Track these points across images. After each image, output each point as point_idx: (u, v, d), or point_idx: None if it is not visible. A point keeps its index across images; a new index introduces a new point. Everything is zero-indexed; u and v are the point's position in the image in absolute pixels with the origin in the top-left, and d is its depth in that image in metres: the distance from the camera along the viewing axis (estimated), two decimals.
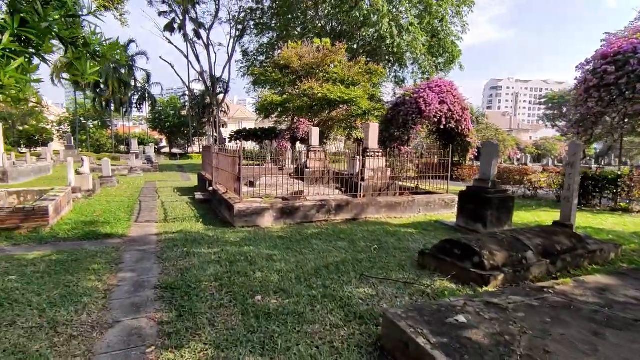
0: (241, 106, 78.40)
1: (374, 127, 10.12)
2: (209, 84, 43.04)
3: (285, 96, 21.36)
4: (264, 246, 5.76)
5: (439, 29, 34.68)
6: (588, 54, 12.60)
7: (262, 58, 36.31)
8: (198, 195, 10.69)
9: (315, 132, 14.11)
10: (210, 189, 10.92)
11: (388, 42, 30.85)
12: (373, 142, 10.12)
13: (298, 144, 30.09)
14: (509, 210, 7.29)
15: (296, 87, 22.31)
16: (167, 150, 49.52)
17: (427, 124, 18.45)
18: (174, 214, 8.45)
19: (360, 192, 9.03)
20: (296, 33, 32.36)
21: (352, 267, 4.83)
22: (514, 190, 13.29)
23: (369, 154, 9.92)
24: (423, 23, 32.72)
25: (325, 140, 25.28)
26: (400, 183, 10.22)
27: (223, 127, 46.80)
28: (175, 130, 48.57)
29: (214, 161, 10.64)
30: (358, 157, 9.74)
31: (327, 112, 22.75)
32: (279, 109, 21.49)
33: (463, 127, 18.93)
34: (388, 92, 38.99)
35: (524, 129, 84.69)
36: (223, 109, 46.28)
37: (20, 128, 39.91)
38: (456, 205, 9.29)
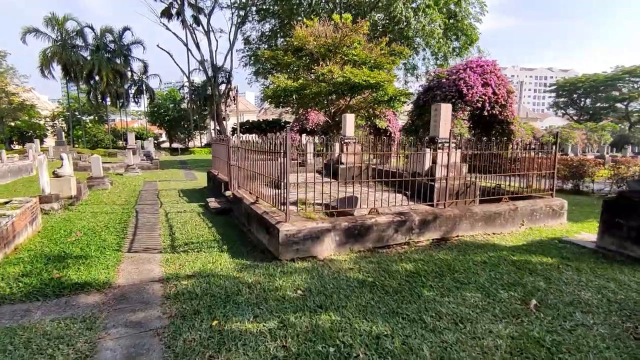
0: (242, 98, 75.65)
1: (447, 109, 7.60)
2: (210, 73, 40.32)
3: (300, 81, 18.75)
4: (350, 308, 3.30)
5: (456, 10, 31.97)
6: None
7: (264, 47, 33.58)
8: (212, 203, 8.22)
9: (350, 120, 11.60)
10: (228, 193, 8.44)
11: (402, 25, 28.17)
12: (444, 129, 7.62)
13: (304, 137, 27.59)
14: None
15: (312, 71, 19.70)
16: (167, 144, 46.94)
17: (470, 109, 15.90)
18: (185, 234, 5.98)
19: (435, 197, 6.55)
20: (300, 19, 29.67)
21: None
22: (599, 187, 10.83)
23: (439, 145, 7.42)
24: (440, 4, 30.01)
25: (337, 131, 22.74)
26: (480, 183, 7.72)
27: (224, 119, 44.20)
28: (175, 124, 45.91)
29: (232, 157, 8.15)
30: (427, 150, 7.32)
31: (348, 98, 20.15)
32: (294, 96, 18.88)
33: (508, 113, 16.40)
34: (398, 79, 36.39)
35: (532, 118, 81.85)
36: (227, 100, 43.61)
37: (12, 124, 37.25)
38: (565, 214, 6.85)
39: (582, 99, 64.97)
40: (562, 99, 68.30)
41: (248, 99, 75.39)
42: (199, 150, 35.89)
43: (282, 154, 4.92)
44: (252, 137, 8.23)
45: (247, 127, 33.98)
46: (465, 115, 15.75)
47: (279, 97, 19.93)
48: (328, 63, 19.17)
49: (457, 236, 5.79)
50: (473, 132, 18.05)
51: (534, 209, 6.47)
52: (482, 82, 15.72)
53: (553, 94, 71.20)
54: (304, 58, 21.04)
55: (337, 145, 11.54)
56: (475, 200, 7.17)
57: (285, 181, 4.85)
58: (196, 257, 4.77)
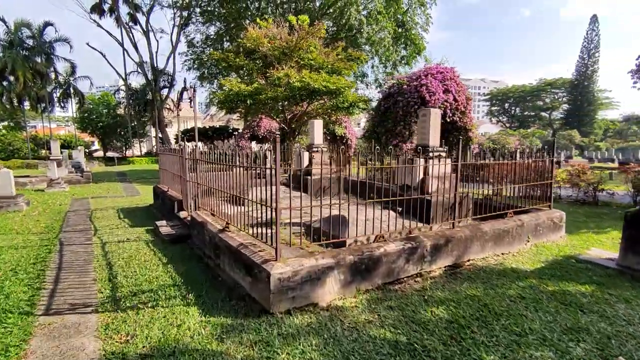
0: (185, 104, 71.44)
1: (436, 115, 6.90)
2: (150, 76, 37.17)
3: (255, 85, 17.43)
4: None
5: (404, 19, 32.79)
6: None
7: (210, 50, 31.62)
8: (164, 227, 6.69)
9: (318, 126, 10.65)
10: (183, 215, 6.97)
11: (354, 32, 28.21)
12: (435, 137, 6.91)
13: (254, 144, 26.17)
14: None
15: (267, 75, 18.49)
16: (100, 154, 42.42)
17: None
18: (132, 277, 4.50)
19: (432, 214, 5.75)
20: (249, 22, 28.36)
21: None
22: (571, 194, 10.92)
23: (430, 154, 6.70)
24: (390, 13, 30.53)
25: (293, 138, 21.70)
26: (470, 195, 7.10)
27: (167, 126, 41.04)
28: (110, 131, 41.62)
29: (188, 172, 6.72)
30: (419, 161, 6.52)
31: (306, 104, 19.20)
32: (248, 101, 17.46)
33: (467, 119, 16.52)
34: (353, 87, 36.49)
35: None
36: (168, 106, 40.54)
37: None
38: (564, 226, 6.42)
39: (513, 108, 70.59)
40: (495, 108, 73.68)
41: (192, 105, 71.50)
42: (139, 160, 32.66)
43: (271, 169, 3.73)
44: (200, 145, 6.86)
45: (193, 135, 31.60)
46: None
47: (231, 102, 18.39)
48: (284, 67, 18.10)
49: (469, 260, 5.00)
50: None
51: (538, 223, 5.91)
52: (443, 88, 15.64)
53: (487, 103, 76.64)
54: (257, 61, 19.76)
55: (305, 155, 10.47)
56: (468, 216, 6.50)
57: (275, 205, 3.66)
58: (151, 317, 3.39)
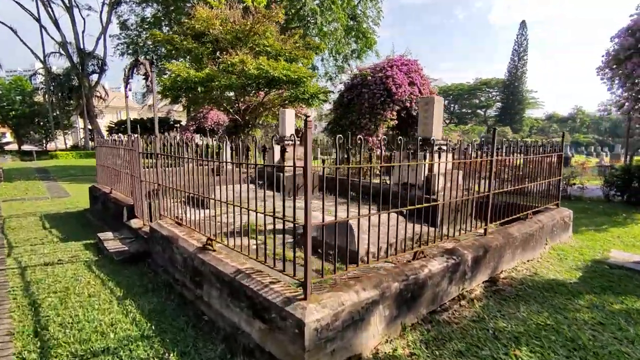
0: (118, 92, 64.96)
1: (440, 104, 6.14)
2: (76, 59, 32.72)
3: (207, 71, 15.64)
4: None
5: (356, 12, 32.48)
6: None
7: (146, 34, 28.49)
8: (111, 242, 5.16)
9: (289, 116, 9.48)
10: (137, 224, 5.49)
11: (307, 21, 27.29)
12: (437, 129, 6.18)
13: (197, 137, 24.10)
14: None
15: (220, 60, 16.79)
16: (15, 147, 36.72)
17: (397, 109, 15.23)
18: (73, 327, 3.09)
19: (439, 217, 4.99)
20: (192, 5, 25.96)
21: None
22: None
23: (435, 149, 5.95)
24: (343, 4, 30.01)
25: (247, 131, 20.20)
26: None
27: (97, 117, 36.63)
28: (26, 121, 36.05)
29: (143, 170, 5.24)
30: (425, 156, 5.72)
31: (263, 94, 17.81)
32: (199, 89, 15.58)
33: None
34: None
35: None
36: (99, 94, 36.17)
37: None
38: (572, 225, 6.05)
39: (452, 105, 74.52)
40: None
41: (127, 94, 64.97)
42: (65, 155, 28.57)
43: (303, 169, 2.59)
44: (160, 136, 5.46)
45: (129, 126, 28.32)
46: (394, 115, 15.04)
47: (179, 90, 16.39)
48: (238, 52, 16.52)
49: (502, 272, 4.29)
50: (393, 132, 17.60)
51: (554, 223, 5.43)
52: (408, 80, 15.24)
53: None
54: (207, 45, 17.87)
55: (276, 148, 9.25)
56: (471, 214, 5.87)
57: (307, 217, 2.53)
58: None
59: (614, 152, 32.62)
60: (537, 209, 5.54)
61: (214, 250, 3.61)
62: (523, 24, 57.33)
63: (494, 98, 65.70)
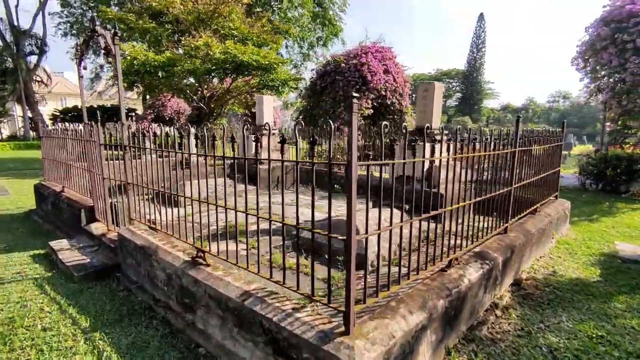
0: (61, 77, 59.39)
1: (440, 91, 5.72)
2: (9, 38, 29.22)
3: (168, 54, 14.30)
4: None
5: None
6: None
7: (91, 14, 25.96)
8: (67, 252, 4.27)
9: (267, 103, 8.73)
10: (99, 229, 4.63)
11: (273, 3, 26.25)
12: (437, 117, 5.77)
13: (156, 127, 22.51)
14: None
15: (182, 43, 15.47)
16: None
17: (372, 97, 14.81)
18: None
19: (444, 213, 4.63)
20: None
21: None
22: None
23: (436, 138, 5.56)
24: None
25: (212, 120, 19.04)
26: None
27: (39, 104, 33.20)
28: None
29: (103, 164, 4.37)
30: (426, 146, 5.29)
31: (229, 80, 16.73)
32: (159, 74, 14.20)
33: (404, 102, 16.17)
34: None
35: None
36: (39, 78, 32.71)
37: None
38: (569, 217, 5.94)
39: (413, 95, 75.90)
40: None
41: (69, 79, 59.59)
42: (1, 146, 25.56)
43: (349, 159, 2.00)
44: (128, 124, 4.62)
45: (76, 115, 25.87)
46: (369, 104, 14.63)
47: (136, 74, 14.91)
48: (201, 35, 15.29)
49: (522, 272, 3.98)
50: (365, 122, 17.25)
51: (558, 216, 5.24)
52: (383, 68, 14.86)
53: None
54: (167, 25, 16.39)
55: (252, 138, 8.48)
56: (467, 207, 5.57)
57: (350, 234, 1.96)
58: None
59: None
60: (543, 202, 5.32)
61: (208, 265, 2.93)
62: (481, 17, 59.17)
63: (453, 88, 67.72)
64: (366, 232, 2.14)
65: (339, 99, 14.57)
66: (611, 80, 8.86)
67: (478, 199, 3.36)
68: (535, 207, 4.83)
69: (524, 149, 4.12)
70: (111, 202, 4.57)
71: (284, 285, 2.40)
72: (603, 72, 9.13)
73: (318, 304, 2.22)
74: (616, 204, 7.47)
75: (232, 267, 2.84)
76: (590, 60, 9.42)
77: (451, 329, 2.62)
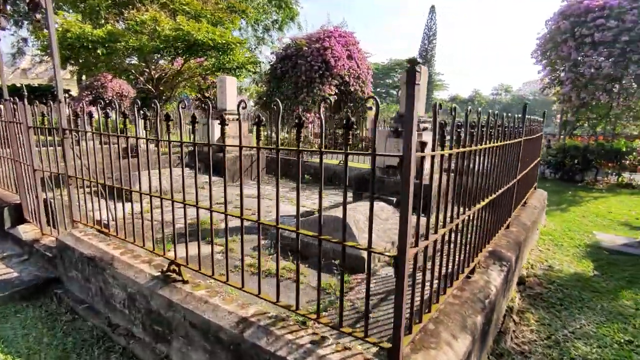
0: None
1: (425, 76, 5.38)
2: None
3: (109, 27, 12.67)
4: None
5: None
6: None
7: None
8: None
9: (231, 85, 7.93)
10: (28, 233, 3.73)
11: None
12: (422, 105, 5.44)
13: (92, 109, 20.44)
14: None
15: (125, 16, 13.85)
16: None
17: (336, 83, 14.32)
18: None
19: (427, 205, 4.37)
20: None
21: None
22: None
23: (422, 127, 5.25)
24: None
25: (161, 104, 17.53)
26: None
27: None
28: None
29: (33, 152, 3.48)
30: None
31: (182, 61, 15.38)
32: (99, 51, 12.53)
33: (367, 90, 15.95)
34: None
35: None
36: None
37: None
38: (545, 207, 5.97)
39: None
40: None
41: None
42: None
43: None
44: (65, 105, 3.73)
45: (5, 90, 22.56)
46: (333, 91, 14.15)
47: (69, 49, 13.09)
48: (148, 8, 13.78)
49: (522, 268, 3.79)
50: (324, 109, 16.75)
51: (542, 206, 5.19)
52: (346, 54, 14.42)
53: None
54: None
55: (214, 124, 7.64)
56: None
57: (404, 248, 1.47)
58: None
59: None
60: (529, 193, 5.23)
61: (186, 282, 2.31)
62: (432, 9, 60.79)
63: None
64: (416, 244, 1.66)
65: (301, 84, 13.93)
66: (571, 73, 9.20)
67: (494, 195, 3.03)
68: (525, 198, 4.69)
69: (528, 138, 3.89)
70: (45, 199, 3.69)
71: (297, 312, 1.87)
72: (562, 66, 9.48)
73: (366, 340, 1.71)
74: (578, 193, 7.77)
75: (208, 278, 2.26)
76: (550, 52, 9.71)
77: (484, 345, 2.27)
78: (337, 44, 14.27)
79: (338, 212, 3.87)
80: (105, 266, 2.63)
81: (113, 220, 2.93)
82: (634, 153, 8.56)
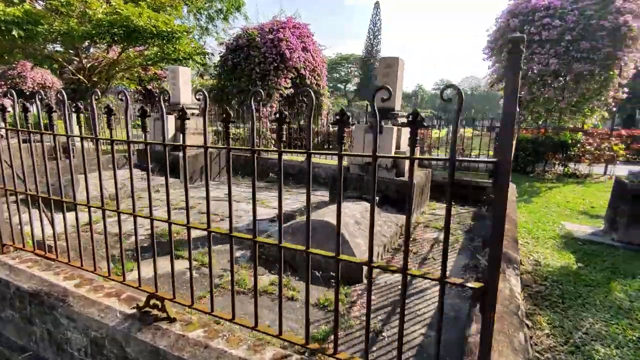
0: None
1: (402, 67, 5.17)
2: None
3: (27, 6, 10.98)
4: None
5: None
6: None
7: None
8: None
9: (184, 76, 7.16)
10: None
11: None
12: (399, 97, 5.24)
13: (7, 102, 18.04)
14: None
15: None
16: None
17: (291, 76, 13.79)
18: None
19: (413, 202, 4.29)
20: None
21: None
22: None
23: (398, 121, 5.08)
24: None
25: (97, 97, 15.79)
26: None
27: None
28: None
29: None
30: (392, 128, 4.62)
31: (119, 49, 13.92)
32: (15, 33, 10.76)
33: (322, 83, 15.67)
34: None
35: None
36: None
37: None
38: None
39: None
40: None
41: None
42: None
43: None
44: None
45: None
46: (288, 84, 13.63)
47: None
48: None
49: None
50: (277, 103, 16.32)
51: (514, 198, 5.27)
52: (301, 46, 13.96)
53: None
54: None
55: (170, 120, 6.83)
56: (424, 193, 5.41)
57: (494, 278, 1.16)
58: None
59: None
60: (483, 184, 5.28)
61: (173, 320, 1.82)
62: (377, 5, 62.07)
63: (352, 73, 70.39)
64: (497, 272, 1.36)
65: (254, 77, 13.24)
66: (523, 68, 9.69)
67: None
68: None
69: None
70: None
71: (280, 337, 1.49)
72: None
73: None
74: (534, 184, 8.18)
75: (186, 308, 1.81)
76: (502, 48, 10.12)
77: None
78: (292, 35, 13.77)
79: (326, 216, 3.53)
80: (55, 303, 2.04)
81: (53, 237, 2.32)
82: (578, 145, 9.29)
